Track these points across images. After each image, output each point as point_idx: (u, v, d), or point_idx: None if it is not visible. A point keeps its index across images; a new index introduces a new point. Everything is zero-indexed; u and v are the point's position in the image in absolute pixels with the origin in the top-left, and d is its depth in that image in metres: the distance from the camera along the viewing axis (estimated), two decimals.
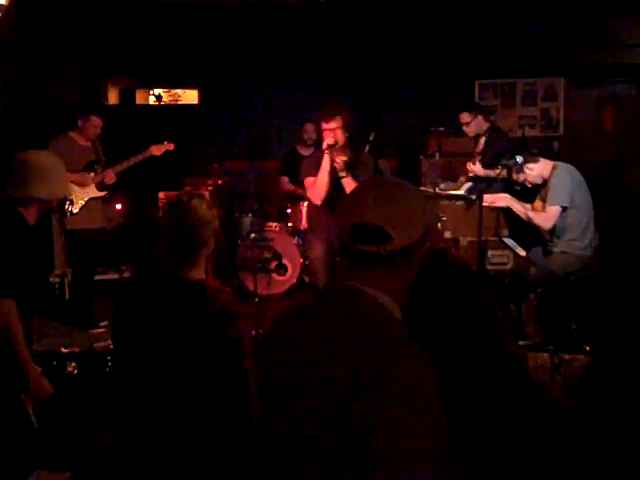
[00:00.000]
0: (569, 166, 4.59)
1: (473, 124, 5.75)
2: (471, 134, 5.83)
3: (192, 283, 2.21)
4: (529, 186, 4.70)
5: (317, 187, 4.39)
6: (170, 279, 2.22)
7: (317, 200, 4.44)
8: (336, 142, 4.31)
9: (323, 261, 4.57)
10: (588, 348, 3.94)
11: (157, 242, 2.29)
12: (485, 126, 5.80)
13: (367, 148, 5.77)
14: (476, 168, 5.54)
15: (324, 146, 4.33)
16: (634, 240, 5.12)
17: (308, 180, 4.53)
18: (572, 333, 4.38)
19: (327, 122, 4.35)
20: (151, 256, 6.37)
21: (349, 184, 4.29)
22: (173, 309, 2.15)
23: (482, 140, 5.78)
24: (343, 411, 1.24)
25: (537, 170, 4.61)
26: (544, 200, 4.61)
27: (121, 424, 2.26)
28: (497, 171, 4.92)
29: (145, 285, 2.28)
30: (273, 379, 1.42)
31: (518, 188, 4.82)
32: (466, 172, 5.69)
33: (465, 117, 5.73)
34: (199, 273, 2.26)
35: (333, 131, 4.33)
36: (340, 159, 4.33)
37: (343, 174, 4.33)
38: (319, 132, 4.74)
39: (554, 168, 4.57)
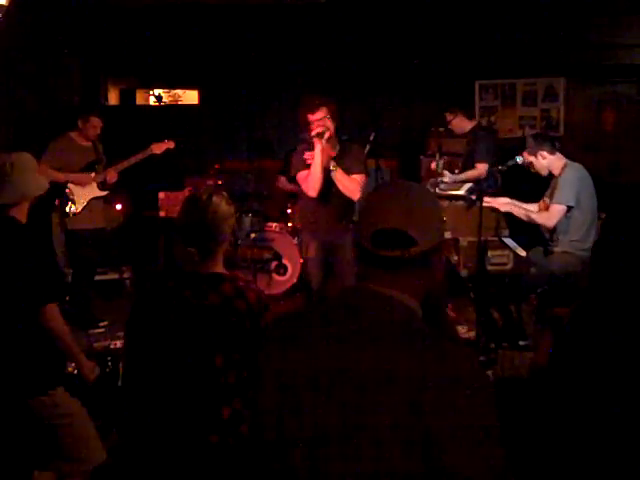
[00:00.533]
0: (579, 166, 4.59)
1: (454, 123, 6.01)
2: (457, 132, 6.14)
3: (220, 275, 2.26)
4: (532, 171, 4.69)
5: (311, 179, 4.32)
6: (197, 274, 2.26)
7: (313, 192, 4.35)
8: (325, 130, 4.25)
9: (317, 261, 4.54)
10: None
11: (177, 238, 2.32)
12: (469, 126, 5.92)
13: (367, 148, 5.80)
14: (446, 177, 5.75)
15: (312, 134, 4.25)
16: (634, 240, 5.11)
17: (301, 174, 4.45)
18: None
19: (313, 113, 4.28)
20: (159, 254, 6.39)
21: (340, 178, 4.29)
22: (207, 303, 2.17)
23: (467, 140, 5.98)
24: (410, 412, 1.24)
25: (548, 161, 4.61)
26: (550, 199, 4.61)
27: (142, 422, 2.24)
28: (475, 173, 5.14)
29: (172, 282, 2.29)
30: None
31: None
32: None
33: (447, 116, 6.06)
34: (219, 268, 2.29)
35: (321, 121, 4.27)
36: (325, 150, 4.28)
37: (331, 166, 4.29)
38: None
39: (565, 166, 4.57)
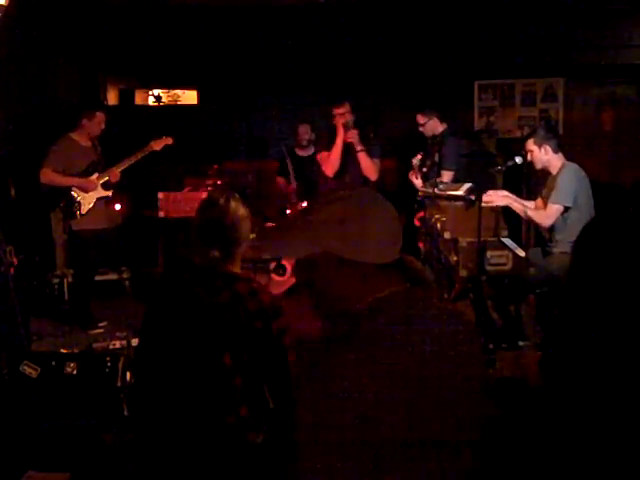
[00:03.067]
0: (577, 167, 4.59)
1: (427, 126, 5.86)
2: (427, 134, 5.92)
3: (236, 275, 2.32)
4: (528, 159, 4.67)
5: (331, 160, 5.25)
6: (213, 270, 2.30)
7: (330, 172, 5.25)
8: (350, 121, 5.22)
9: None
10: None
11: (192, 240, 2.37)
12: (441, 128, 5.85)
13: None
14: (418, 182, 5.65)
15: (341, 124, 5.21)
16: (633, 241, 5.12)
17: (323, 155, 5.40)
18: None
19: (338, 107, 5.27)
20: (158, 254, 6.40)
21: (364, 158, 5.22)
22: (219, 300, 2.19)
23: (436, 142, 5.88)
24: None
25: (548, 158, 4.60)
26: (546, 198, 4.61)
27: (150, 418, 2.24)
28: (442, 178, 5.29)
29: (188, 279, 2.31)
30: None
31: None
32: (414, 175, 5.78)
33: (419, 119, 5.89)
34: (236, 268, 2.37)
35: (344, 115, 5.23)
36: (353, 134, 5.21)
37: (359, 147, 5.21)
38: (315, 131, 5.95)
39: (563, 166, 4.57)
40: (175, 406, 2.15)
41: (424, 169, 5.69)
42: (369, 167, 5.27)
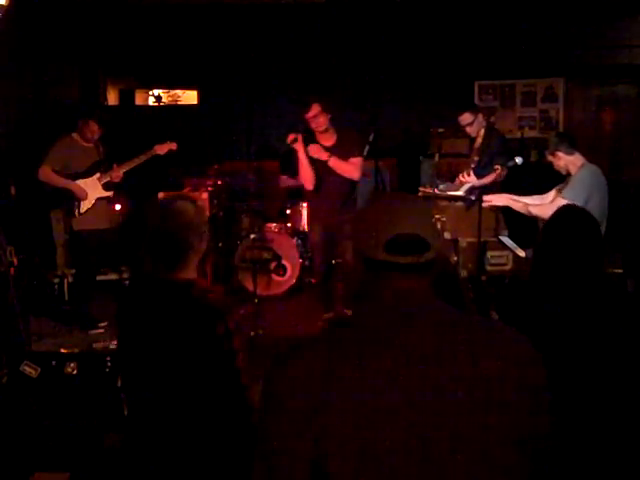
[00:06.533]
0: (595, 168, 4.55)
1: (475, 123, 5.71)
2: (473, 134, 5.79)
3: (178, 283, 2.16)
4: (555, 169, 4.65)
5: (302, 175, 4.93)
6: (156, 281, 2.18)
7: (309, 185, 4.93)
8: (295, 140, 4.82)
9: (321, 245, 5.04)
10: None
11: (143, 245, 2.23)
12: (483, 124, 5.78)
13: (367, 149, 5.79)
14: (471, 179, 5.49)
15: (288, 140, 4.86)
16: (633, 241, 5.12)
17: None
18: None
19: (307, 112, 4.79)
20: (137, 259, 6.40)
21: (336, 164, 4.80)
22: (160, 310, 2.13)
23: (479, 139, 5.76)
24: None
25: (564, 162, 4.58)
26: (560, 191, 4.58)
27: (125, 425, 2.26)
28: (494, 175, 4.91)
29: (136, 287, 2.29)
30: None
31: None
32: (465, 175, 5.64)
33: (467, 117, 5.66)
34: (189, 275, 2.20)
35: (315, 117, 4.78)
36: (314, 149, 4.82)
37: (325, 158, 4.79)
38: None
39: (582, 166, 4.55)
40: (157, 403, 2.15)
41: (472, 165, 5.58)
42: (346, 170, 4.83)
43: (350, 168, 4.82)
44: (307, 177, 4.89)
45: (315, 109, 4.76)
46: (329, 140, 4.89)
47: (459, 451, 1.17)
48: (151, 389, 2.14)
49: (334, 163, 4.79)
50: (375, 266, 1.36)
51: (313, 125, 4.82)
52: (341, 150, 4.82)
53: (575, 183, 4.48)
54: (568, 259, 2.29)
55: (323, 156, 4.79)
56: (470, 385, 1.21)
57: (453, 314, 1.32)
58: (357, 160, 4.87)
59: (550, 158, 4.64)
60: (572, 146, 4.60)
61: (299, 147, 4.83)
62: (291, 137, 4.83)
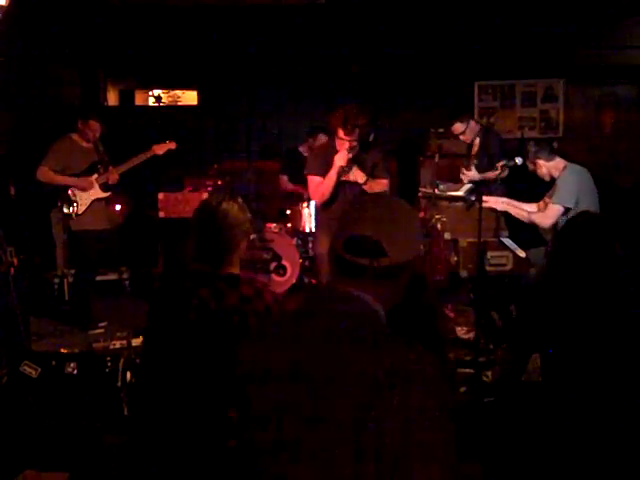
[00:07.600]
0: (580, 168, 4.57)
1: (468, 131, 5.70)
2: (468, 141, 5.81)
3: (239, 277, 2.30)
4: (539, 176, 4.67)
5: (322, 191, 4.47)
6: (214, 274, 2.28)
7: (318, 200, 4.58)
8: (352, 155, 4.38)
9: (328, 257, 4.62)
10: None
11: (189, 244, 2.35)
12: (477, 128, 5.80)
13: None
14: (471, 173, 5.49)
15: (339, 162, 4.36)
16: (633, 241, 5.11)
17: (314, 179, 4.54)
18: None
19: (349, 135, 4.34)
20: (158, 255, 6.39)
21: (357, 175, 4.43)
22: (226, 302, 2.18)
23: (477, 141, 5.76)
24: (360, 411, 1.23)
25: (546, 168, 4.61)
26: (550, 198, 4.61)
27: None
28: (496, 172, 4.92)
29: (189, 282, 2.30)
30: (272, 376, 1.38)
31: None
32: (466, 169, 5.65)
33: (458, 128, 5.67)
34: (233, 270, 2.34)
35: (351, 142, 4.35)
36: (358, 174, 4.43)
37: (362, 181, 4.43)
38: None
39: (564, 168, 4.56)
40: (178, 413, 2.14)
41: (475, 161, 5.58)
42: (374, 190, 4.48)
43: (378, 188, 4.49)
44: (326, 194, 4.48)
45: (356, 135, 4.36)
46: (357, 179, 4.54)
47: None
48: (176, 385, 2.14)
49: (369, 187, 4.48)
50: (336, 262, 1.40)
51: (349, 148, 4.37)
52: (367, 168, 4.54)
53: (560, 186, 4.51)
54: (583, 266, 2.27)
55: (361, 179, 4.47)
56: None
57: (357, 332, 1.33)
58: (385, 182, 4.58)
59: (532, 167, 4.67)
60: (552, 152, 4.63)
61: (339, 169, 4.43)
62: (352, 144, 4.36)
